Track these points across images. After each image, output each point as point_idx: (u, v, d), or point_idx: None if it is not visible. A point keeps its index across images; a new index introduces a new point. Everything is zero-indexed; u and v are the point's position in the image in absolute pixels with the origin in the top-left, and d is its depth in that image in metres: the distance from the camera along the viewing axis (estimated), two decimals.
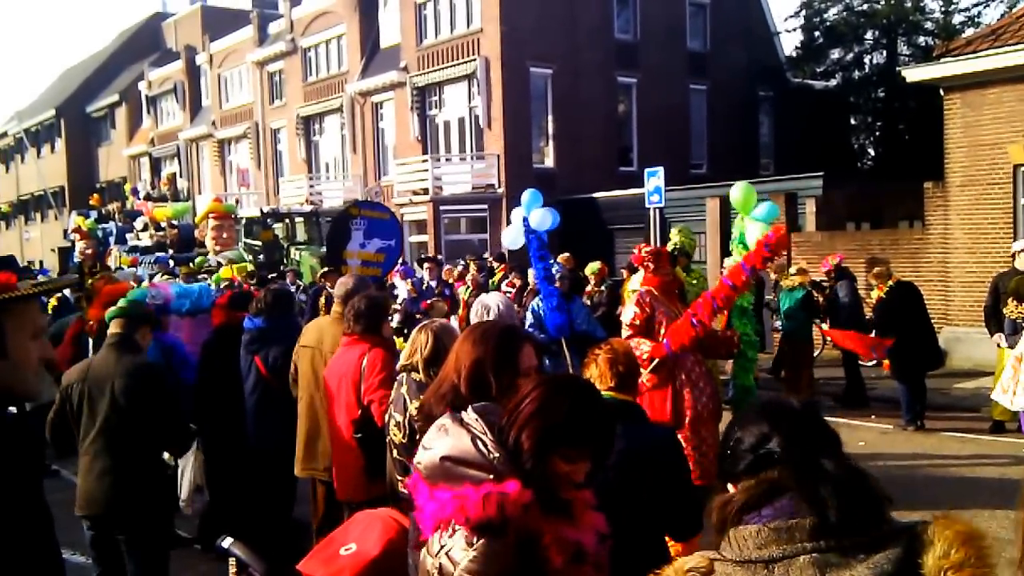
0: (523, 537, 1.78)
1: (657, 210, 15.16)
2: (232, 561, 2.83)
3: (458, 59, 21.61)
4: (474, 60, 21.09)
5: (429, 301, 11.08)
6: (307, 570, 2.49)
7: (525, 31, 20.54)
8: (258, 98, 29.40)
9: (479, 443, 1.87)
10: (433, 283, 12.55)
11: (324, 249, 17.98)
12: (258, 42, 29.15)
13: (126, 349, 4.06)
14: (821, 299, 10.39)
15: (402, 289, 12.24)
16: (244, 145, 30.55)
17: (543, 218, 7.22)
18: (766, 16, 25.80)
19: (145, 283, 10.14)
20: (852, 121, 26.18)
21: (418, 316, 10.17)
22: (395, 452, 3.43)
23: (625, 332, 5.25)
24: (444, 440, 1.89)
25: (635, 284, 6.41)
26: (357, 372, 4.10)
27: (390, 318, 8.24)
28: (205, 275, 12.51)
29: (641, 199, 15.09)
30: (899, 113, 23.65)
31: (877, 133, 25.95)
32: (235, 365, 5.42)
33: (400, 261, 12.83)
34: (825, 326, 10.40)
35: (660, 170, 14.61)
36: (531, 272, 10.32)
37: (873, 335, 9.05)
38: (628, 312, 5.32)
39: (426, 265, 13.16)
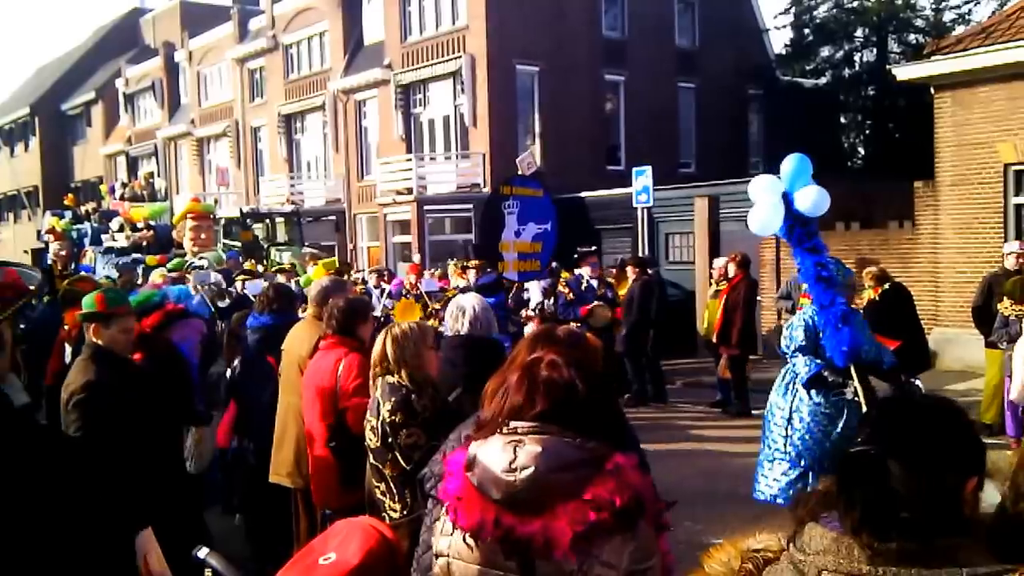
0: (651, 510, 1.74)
1: (645, 210, 14.99)
2: (208, 572, 2.69)
3: (443, 56, 21.31)
4: (459, 57, 20.79)
5: (590, 306, 9.11)
6: None
7: (511, 28, 20.28)
8: (238, 96, 28.95)
9: (568, 441, 1.78)
10: (594, 282, 10.00)
11: (305, 250, 17.75)
12: (238, 38, 28.70)
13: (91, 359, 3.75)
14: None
15: (535, 292, 9.55)
16: (224, 144, 30.10)
17: (819, 199, 5.04)
18: (755, 13, 25.60)
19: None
20: (842, 120, 26.04)
21: (576, 324, 7.91)
22: (371, 458, 3.41)
23: None
24: (533, 453, 1.76)
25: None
26: (333, 378, 4.04)
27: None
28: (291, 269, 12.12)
29: (629, 199, 14.90)
30: (889, 112, 23.48)
31: (867, 132, 25.83)
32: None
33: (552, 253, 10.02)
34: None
35: (648, 169, 14.47)
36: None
37: None
38: None
39: (587, 260, 10.52)
